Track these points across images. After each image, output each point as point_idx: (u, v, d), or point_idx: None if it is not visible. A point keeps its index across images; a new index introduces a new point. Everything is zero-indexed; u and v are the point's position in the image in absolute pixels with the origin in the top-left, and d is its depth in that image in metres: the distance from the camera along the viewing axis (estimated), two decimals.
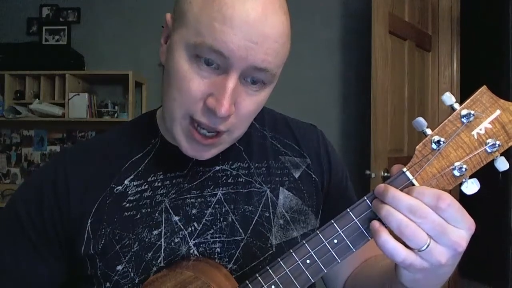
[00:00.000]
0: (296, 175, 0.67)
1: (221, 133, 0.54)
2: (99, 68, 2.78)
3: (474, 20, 3.03)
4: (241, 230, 0.61)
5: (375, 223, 0.44)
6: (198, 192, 0.61)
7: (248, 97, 0.53)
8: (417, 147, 0.45)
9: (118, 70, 2.67)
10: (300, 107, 2.33)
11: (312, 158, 0.69)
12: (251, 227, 0.61)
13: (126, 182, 0.60)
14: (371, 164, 1.96)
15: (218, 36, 0.47)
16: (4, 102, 2.65)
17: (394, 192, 0.42)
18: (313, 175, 0.68)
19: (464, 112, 0.43)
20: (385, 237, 0.42)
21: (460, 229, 0.41)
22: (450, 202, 0.41)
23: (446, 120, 0.44)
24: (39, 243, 0.59)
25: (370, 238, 0.46)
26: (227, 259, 0.59)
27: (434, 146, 0.44)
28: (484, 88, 0.45)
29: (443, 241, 0.41)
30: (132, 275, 0.57)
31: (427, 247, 0.41)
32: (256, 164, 0.65)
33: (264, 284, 0.48)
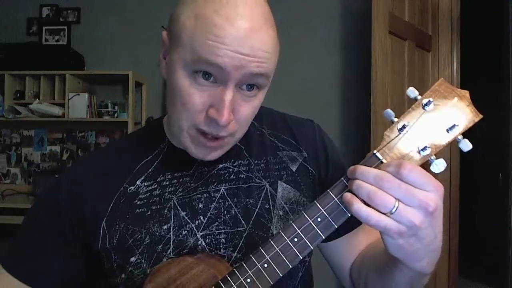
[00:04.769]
0: (294, 169, 0.71)
1: (224, 137, 0.59)
2: (99, 68, 2.78)
3: (474, 20, 3.03)
4: (243, 222, 0.65)
5: (347, 195, 0.48)
6: (203, 189, 0.66)
7: (244, 103, 0.57)
8: (385, 132, 0.51)
9: (118, 70, 2.67)
10: (300, 107, 2.32)
11: (308, 152, 0.73)
12: (252, 219, 0.66)
13: (138, 182, 0.66)
14: None
15: (212, 51, 0.51)
16: (4, 102, 2.65)
17: (361, 168, 0.47)
18: (310, 168, 0.72)
19: (424, 100, 0.50)
20: (357, 205, 0.46)
21: (427, 191, 0.45)
22: (411, 168, 0.44)
23: (409, 108, 0.50)
24: (56, 240, 0.65)
25: (349, 215, 0.50)
26: (231, 249, 0.64)
27: (399, 130, 0.50)
28: (441, 80, 0.51)
29: (411, 202, 0.45)
30: (144, 265, 0.62)
31: (396, 209, 0.44)
32: (256, 161, 0.70)
33: (257, 263, 0.53)
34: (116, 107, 2.74)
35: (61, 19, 2.89)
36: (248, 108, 0.58)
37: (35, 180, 2.72)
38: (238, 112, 0.57)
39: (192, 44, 0.53)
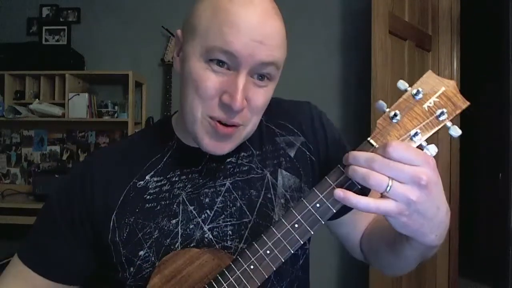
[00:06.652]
0: (292, 154, 0.73)
1: (238, 126, 0.61)
2: (99, 68, 2.78)
3: (474, 20, 3.03)
4: (248, 213, 0.68)
5: (338, 192, 0.49)
6: (211, 184, 0.69)
7: (257, 91, 0.59)
8: (378, 120, 0.53)
9: (118, 70, 2.66)
10: None
11: (306, 134, 0.74)
12: (256, 209, 0.68)
13: (147, 177, 0.69)
14: None
15: (227, 38, 0.55)
16: (4, 102, 2.65)
17: (353, 153, 0.50)
18: (307, 152, 0.73)
19: (414, 91, 0.52)
20: (355, 199, 0.48)
21: (417, 166, 0.46)
22: (395, 145, 0.46)
23: (400, 99, 0.53)
24: (68, 233, 0.68)
25: None
26: (238, 240, 0.67)
27: (392, 119, 0.52)
28: (429, 72, 0.54)
29: (403, 178, 0.46)
30: (153, 259, 0.64)
31: (390, 188, 0.46)
32: (257, 152, 0.72)
33: (260, 250, 0.55)
34: (116, 107, 2.73)
35: (61, 19, 2.89)
36: (260, 97, 0.60)
37: (35, 180, 2.71)
38: (252, 100, 0.59)
39: (208, 33, 0.56)
